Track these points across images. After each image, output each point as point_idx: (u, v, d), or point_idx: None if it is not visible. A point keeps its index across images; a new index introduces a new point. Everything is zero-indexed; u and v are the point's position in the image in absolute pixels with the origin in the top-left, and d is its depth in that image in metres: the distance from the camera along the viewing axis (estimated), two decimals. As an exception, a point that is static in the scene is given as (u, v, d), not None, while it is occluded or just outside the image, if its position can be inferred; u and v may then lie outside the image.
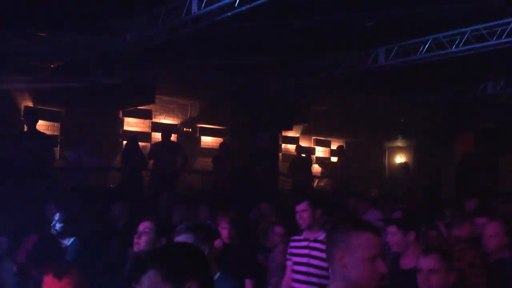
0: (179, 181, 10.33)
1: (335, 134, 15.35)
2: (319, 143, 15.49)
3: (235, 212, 6.41)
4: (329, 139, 15.68)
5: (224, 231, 4.96)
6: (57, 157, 9.84)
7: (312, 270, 4.13)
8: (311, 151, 14.87)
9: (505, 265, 4.02)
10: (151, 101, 10.82)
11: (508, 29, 7.56)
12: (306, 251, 4.23)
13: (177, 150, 10.26)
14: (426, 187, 14.48)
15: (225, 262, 3.98)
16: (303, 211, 4.27)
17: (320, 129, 14.79)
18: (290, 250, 4.42)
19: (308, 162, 13.55)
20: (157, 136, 11.33)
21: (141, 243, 3.46)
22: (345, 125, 14.27)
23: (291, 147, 14.64)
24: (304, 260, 4.21)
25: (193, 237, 2.94)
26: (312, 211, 4.25)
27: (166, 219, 7.05)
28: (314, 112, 13.39)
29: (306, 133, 14.70)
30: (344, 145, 15.35)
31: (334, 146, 15.60)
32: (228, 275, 3.13)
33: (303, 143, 14.82)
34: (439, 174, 15.65)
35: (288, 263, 4.41)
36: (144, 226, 3.51)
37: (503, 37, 7.59)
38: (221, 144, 11.72)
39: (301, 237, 4.37)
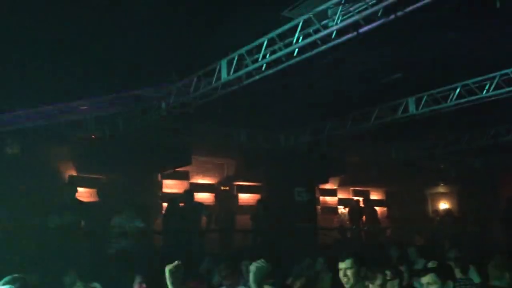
0: (218, 241, 10.38)
1: (374, 184, 15.18)
2: (357, 193, 15.33)
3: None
4: (367, 189, 15.50)
5: None
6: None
7: None
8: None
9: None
10: (188, 162, 11.07)
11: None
12: None
13: (200, 209, 10.29)
14: (473, 233, 14.05)
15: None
16: (347, 269, 4.07)
17: (357, 180, 14.66)
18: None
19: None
20: (196, 196, 11.50)
21: None
22: (384, 175, 14.13)
23: (329, 199, 14.56)
24: None
25: None
26: (357, 269, 4.06)
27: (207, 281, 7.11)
28: (350, 163, 13.36)
29: (343, 184, 14.61)
30: (385, 195, 15.20)
31: (373, 196, 15.44)
32: None
33: (341, 195, 14.72)
34: (485, 219, 15.16)
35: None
36: None
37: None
38: (259, 201, 11.77)
39: None
